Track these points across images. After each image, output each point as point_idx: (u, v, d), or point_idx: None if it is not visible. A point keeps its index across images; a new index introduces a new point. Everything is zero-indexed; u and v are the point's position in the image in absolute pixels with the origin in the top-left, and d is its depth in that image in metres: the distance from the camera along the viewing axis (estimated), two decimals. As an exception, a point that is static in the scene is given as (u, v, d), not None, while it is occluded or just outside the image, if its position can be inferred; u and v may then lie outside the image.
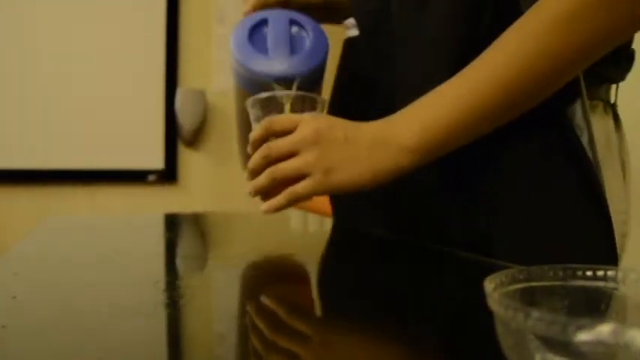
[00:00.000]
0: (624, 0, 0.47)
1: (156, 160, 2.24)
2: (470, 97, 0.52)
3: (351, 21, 0.76)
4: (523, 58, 0.51)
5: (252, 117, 0.59)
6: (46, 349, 0.29)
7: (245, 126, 0.64)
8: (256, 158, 0.56)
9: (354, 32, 0.75)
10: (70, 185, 2.18)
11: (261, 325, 0.36)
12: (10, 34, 2.09)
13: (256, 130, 0.57)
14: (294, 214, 0.90)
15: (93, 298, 0.40)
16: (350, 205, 0.77)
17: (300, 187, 0.54)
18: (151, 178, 2.24)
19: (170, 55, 2.22)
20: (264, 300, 0.43)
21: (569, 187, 0.57)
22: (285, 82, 0.61)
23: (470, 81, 0.53)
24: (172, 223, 0.84)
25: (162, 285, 0.46)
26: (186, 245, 0.69)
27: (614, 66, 0.61)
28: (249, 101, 0.59)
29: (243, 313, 0.39)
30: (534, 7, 0.51)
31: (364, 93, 0.72)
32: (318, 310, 0.41)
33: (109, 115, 2.18)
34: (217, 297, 0.44)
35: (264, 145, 0.56)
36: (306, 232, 0.68)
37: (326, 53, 0.66)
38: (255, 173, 0.57)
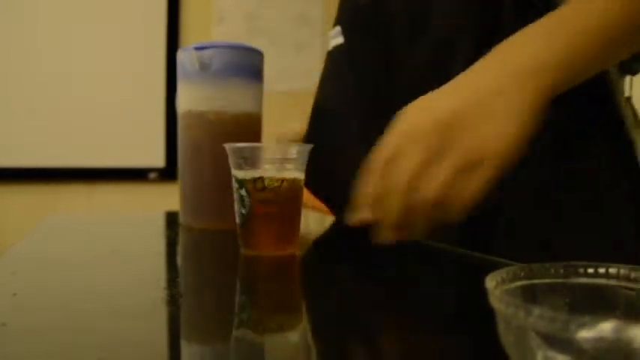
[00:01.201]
0: None
1: (157, 159, 2.24)
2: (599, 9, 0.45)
3: (334, 31, 0.75)
4: None
5: (232, 163, 0.56)
6: (46, 347, 0.29)
7: None
8: (369, 197, 0.47)
9: (338, 40, 0.74)
10: (70, 183, 2.18)
11: (261, 324, 0.36)
12: (9, 33, 2.09)
13: (365, 189, 0.48)
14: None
15: (93, 296, 0.40)
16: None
17: (463, 194, 0.43)
18: (152, 176, 2.24)
19: (171, 54, 2.22)
20: (265, 299, 0.43)
21: (619, 199, 0.55)
22: None
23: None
24: (173, 221, 0.84)
25: (162, 283, 0.46)
26: (186, 243, 0.69)
27: (635, 58, 0.60)
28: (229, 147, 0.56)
29: (243, 311, 0.39)
30: None
31: (352, 102, 0.71)
32: (319, 310, 0.41)
33: (110, 113, 2.18)
34: (218, 296, 0.44)
35: (376, 182, 0.46)
36: (307, 230, 0.68)
37: None
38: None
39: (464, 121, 0.43)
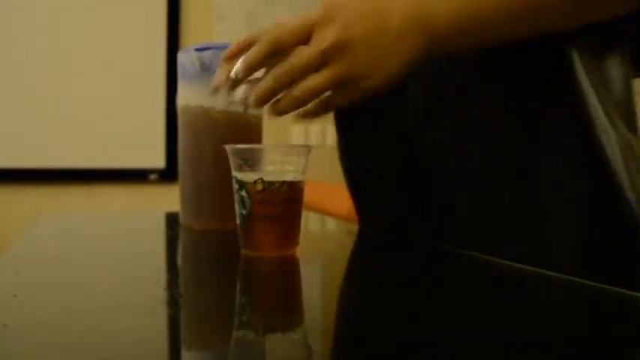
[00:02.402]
0: None
1: (157, 160, 2.24)
2: None
3: None
4: None
5: (232, 164, 0.56)
6: (47, 347, 0.29)
7: None
8: (260, 47, 0.51)
9: None
10: (71, 184, 2.18)
11: (263, 323, 0.36)
12: (10, 34, 2.09)
13: (260, 47, 0.51)
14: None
15: (94, 296, 0.40)
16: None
17: (336, 98, 0.51)
18: (152, 177, 2.24)
19: (171, 54, 2.22)
20: (267, 299, 0.43)
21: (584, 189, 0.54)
22: None
23: None
24: (173, 221, 0.84)
25: (162, 283, 0.46)
26: (186, 244, 0.69)
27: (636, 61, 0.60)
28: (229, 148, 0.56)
29: (243, 312, 0.39)
30: None
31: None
32: (320, 310, 0.41)
33: (110, 114, 2.18)
34: (218, 296, 0.44)
35: (282, 64, 0.50)
36: (306, 231, 0.68)
37: None
38: (269, 97, 0.52)
39: (378, 40, 0.50)
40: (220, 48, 0.72)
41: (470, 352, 0.30)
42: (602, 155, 0.50)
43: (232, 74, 0.53)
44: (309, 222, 0.85)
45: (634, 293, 0.41)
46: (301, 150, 0.55)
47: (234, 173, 0.56)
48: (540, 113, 0.55)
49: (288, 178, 0.54)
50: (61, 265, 0.52)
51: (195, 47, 0.72)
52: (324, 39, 0.49)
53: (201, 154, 0.73)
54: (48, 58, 2.13)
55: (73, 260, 0.55)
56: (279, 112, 0.53)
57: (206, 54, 0.71)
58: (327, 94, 0.52)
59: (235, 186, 0.55)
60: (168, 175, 2.22)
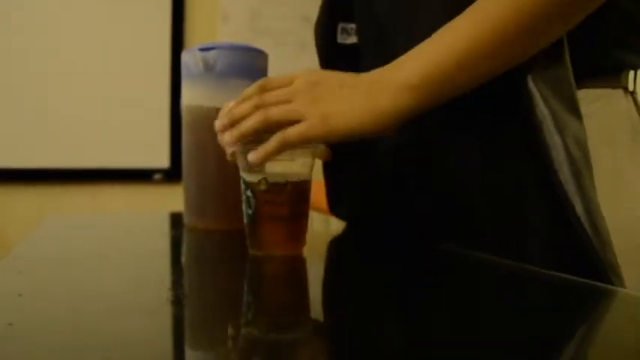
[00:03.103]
0: None
1: (161, 160, 2.25)
2: (467, 34, 0.52)
3: (347, 27, 0.75)
4: None
5: (240, 165, 0.56)
6: (51, 346, 0.29)
7: None
8: (245, 107, 0.54)
9: (351, 39, 0.74)
10: (74, 184, 2.19)
11: (266, 324, 0.36)
12: (14, 34, 2.10)
13: (250, 88, 0.55)
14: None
15: (98, 296, 0.40)
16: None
17: (292, 130, 0.52)
18: (157, 177, 2.24)
19: (175, 54, 2.22)
20: (270, 299, 0.43)
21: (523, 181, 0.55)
22: None
23: (466, 20, 0.52)
24: (177, 221, 0.84)
25: (167, 283, 0.46)
26: (191, 244, 0.69)
27: (635, 51, 0.60)
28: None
29: (248, 312, 0.39)
30: None
31: None
32: (322, 310, 0.41)
33: (114, 114, 2.18)
34: (222, 296, 0.44)
35: (257, 101, 0.53)
36: (311, 230, 0.68)
37: None
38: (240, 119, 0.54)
39: (343, 91, 0.53)
40: (224, 48, 0.72)
41: (478, 351, 0.30)
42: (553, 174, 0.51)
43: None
44: (314, 222, 0.85)
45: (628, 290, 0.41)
46: (308, 150, 0.55)
47: (242, 173, 0.56)
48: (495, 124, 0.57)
49: (293, 178, 0.54)
50: (65, 265, 0.52)
51: (200, 47, 0.72)
52: (297, 79, 0.54)
53: (206, 154, 0.73)
54: (52, 57, 2.13)
55: (77, 261, 0.55)
56: (230, 140, 0.54)
57: (210, 54, 0.71)
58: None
59: (242, 186, 0.56)
60: (172, 175, 2.22)
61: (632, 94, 0.62)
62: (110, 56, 2.19)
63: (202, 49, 0.72)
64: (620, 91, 0.60)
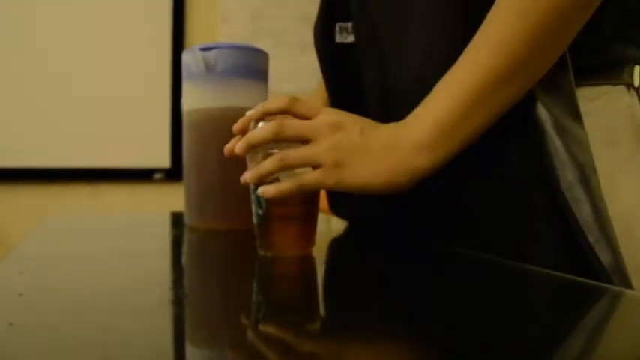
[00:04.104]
0: None
1: (162, 159, 2.25)
2: (476, 80, 0.51)
3: (346, 26, 0.75)
4: (523, 27, 0.50)
5: (250, 165, 0.57)
6: (52, 345, 0.29)
7: None
8: (264, 133, 0.53)
9: (350, 38, 0.74)
10: (75, 184, 2.19)
11: (267, 324, 0.36)
12: (15, 35, 2.10)
13: (277, 100, 0.54)
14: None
15: (99, 295, 0.40)
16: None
17: (308, 177, 0.52)
18: (157, 176, 2.24)
19: (176, 55, 2.22)
20: (272, 299, 0.43)
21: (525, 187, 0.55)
22: None
23: (473, 63, 0.52)
24: (178, 221, 0.84)
25: (167, 283, 0.46)
26: (191, 244, 0.70)
27: (636, 45, 0.59)
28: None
29: (249, 311, 0.39)
30: None
31: (353, 99, 0.72)
32: (325, 310, 0.41)
33: (115, 113, 2.18)
34: (223, 296, 0.44)
35: (278, 122, 0.53)
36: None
37: None
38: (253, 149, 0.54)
39: (362, 141, 0.53)
40: (225, 48, 0.72)
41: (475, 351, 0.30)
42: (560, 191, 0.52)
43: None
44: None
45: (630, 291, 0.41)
46: None
47: None
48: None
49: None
50: (66, 265, 0.52)
51: (200, 47, 0.72)
52: (321, 115, 0.53)
53: (206, 154, 0.73)
54: (53, 58, 2.14)
55: (78, 260, 0.55)
56: (259, 175, 0.53)
57: (211, 54, 0.71)
58: (303, 170, 0.54)
59: (251, 186, 0.55)
60: (173, 174, 2.22)
61: (637, 90, 0.60)
62: (111, 56, 2.19)
63: (203, 49, 0.72)
64: (621, 88, 0.59)
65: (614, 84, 0.59)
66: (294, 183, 0.52)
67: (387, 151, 0.52)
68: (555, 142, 0.52)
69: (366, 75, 0.70)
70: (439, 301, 0.41)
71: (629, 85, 0.59)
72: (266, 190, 0.52)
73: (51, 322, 0.34)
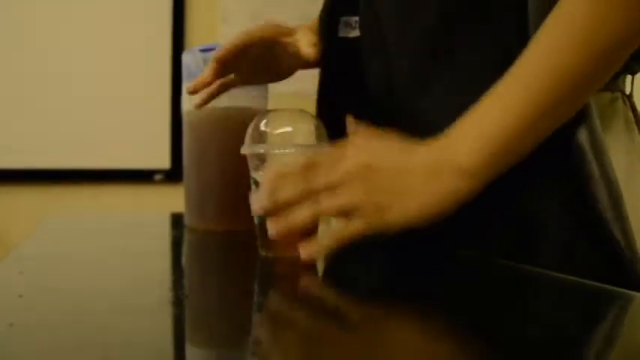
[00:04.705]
0: None
1: (162, 160, 2.25)
2: (524, 100, 0.48)
3: (351, 20, 0.75)
4: (571, 42, 0.47)
5: (250, 165, 0.56)
6: (52, 346, 0.29)
7: None
8: (290, 192, 0.48)
9: (354, 33, 0.74)
10: (75, 185, 2.19)
11: (267, 324, 0.36)
12: (15, 36, 2.10)
13: (293, 166, 0.49)
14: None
15: (99, 296, 0.40)
16: None
17: (350, 228, 0.47)
18: (157, 177, 2.24)
19: (176, 55, 2.22)
20: (272, 299, 0.43)
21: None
22: None
23: (519, 82, 0.49)
24: (178, 222, 0.84)
25: (167, 284, 0.46)
26: (191, 244, 0.70)
27: (635, 58, 0.60)
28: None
29: (249, 311, 0.39)
30: None
31: (355, 91, 0.72)
32: (326, 310, 0.41)
33: (115, 114, 2.18)
34: (223, 297, 0.44)
35: (301, 177, 0.48)
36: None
37: None
38: (284, 203, 0.48)
39: (399, 177, 0.48)
40: None
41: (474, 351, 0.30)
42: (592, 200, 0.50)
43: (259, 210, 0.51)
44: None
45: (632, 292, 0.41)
46: (319, 150, 0.55)
47: (253, 174, 0.56)
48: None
49: None
50: (66, 265, 0.52)
51: (200, 48, 0.72)
52: (347, 160, 0.48)
53: (206, 154, 0.73)
54: (53, 59, 2.13)
55: (78, 261, 0.55)
56: (274, 232, 0.49)
57: (211, 55, 0.71)
58: (336, 224, 0.49)
59: (253, 186, 0.55)
60: (173, 175, 2.22)
61: (629, 97, 0.62)
62: (111, 57, 2.19)
63: (203, 50, 0.72)
64: (617, 95, 0.60)
65: (612, 91, 0.60)
66: (337, 239, 0.48)
67: (428, 182, 0.48)
68: (592, 164, 0.50)
69: (370, 70, 0.70)
70: (439, 301, 0.41)
71: (622, 92, 0.61)
72: (307, 255, 0.48)
73: (51, 323, 0.33)
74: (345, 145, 0.50)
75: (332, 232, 0.48)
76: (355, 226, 0.47)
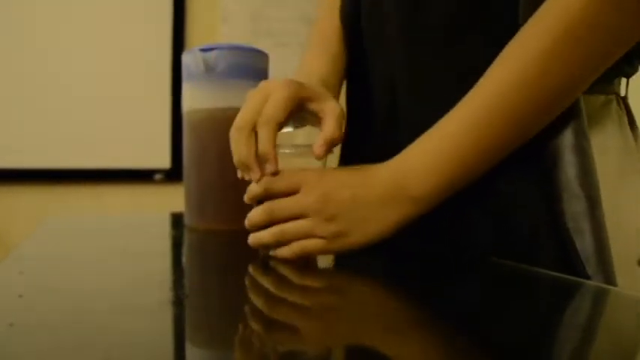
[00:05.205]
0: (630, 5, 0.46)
1: (162, 160, 2.25)
2: (471, 133, 0.51)
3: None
4: (524, 79, 0.49)
5: None
6: (52, 346, 0.29)
7: None
8: (258, 215, 0.54)
9: None
10: (75, 185, 2.19)
11: (268, 324, 0.36)
12: (15, 36, 2.10)
13: (255, 188, 0.55)
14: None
15: (99, 296, 0.40)
16: None
17: (311, 246, 0.53)
18: (158, 177, 2.24)
19: (176, 55, 2.22)
20: (272, 299, 0.43)
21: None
22: None
23: (468, 113, 0.52)
24: (178, 222, 0.84)
25: (168, 284, 0.46)
26: (191, 244, 0.69)
27: (629, 62, 0.60)
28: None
29: (250, 311, 0.39)
30: (531, 21, 0.50)
31: (363, 89, 0.72)
32: (326, 310, 0.41)
33: (115, 114, 2.18)
34: (223, 296, 0.44)
35: (267, 205, 0.54)
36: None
37: None
38: (256, 227, 0.55)
39: (355, 207, 0.53)
40: (225, 49, 0.72)
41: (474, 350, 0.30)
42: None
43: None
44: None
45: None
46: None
47: None
48: None
49: None
50: (67, 265, 0.52)
51: (200, 48, 0.72)
52: (306, 195, 0.53)
53: (206, 154, 0.73)
54: (53, 59, 2.14)
55: (78, 261, 0.55)
56: (260, 244, 0.55)
57: (211, 55, 0.71)
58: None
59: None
60: (173, 175, 2.22)
61: (624, 100, 0.62)
62: (111, 57, 2.19)
63: (203, 50, 0.72)
64: (612, 97, 0.60)
65: (607, 94, 0.60)
66: (300, 251, 0.53)
67: (383, 211, 0.53)
68: (569, 172, 0.52)
69: (374, 69, 0.70)
70: (439, 300, 0.41)
71: (617, 95, 0.61)
72: (277, 254, 0.54)
73: (51, 323, 0.33)
74: (300, 178, 0.54)
75: (298, 246, 0.53)
76: (316, 245, 0.53)
